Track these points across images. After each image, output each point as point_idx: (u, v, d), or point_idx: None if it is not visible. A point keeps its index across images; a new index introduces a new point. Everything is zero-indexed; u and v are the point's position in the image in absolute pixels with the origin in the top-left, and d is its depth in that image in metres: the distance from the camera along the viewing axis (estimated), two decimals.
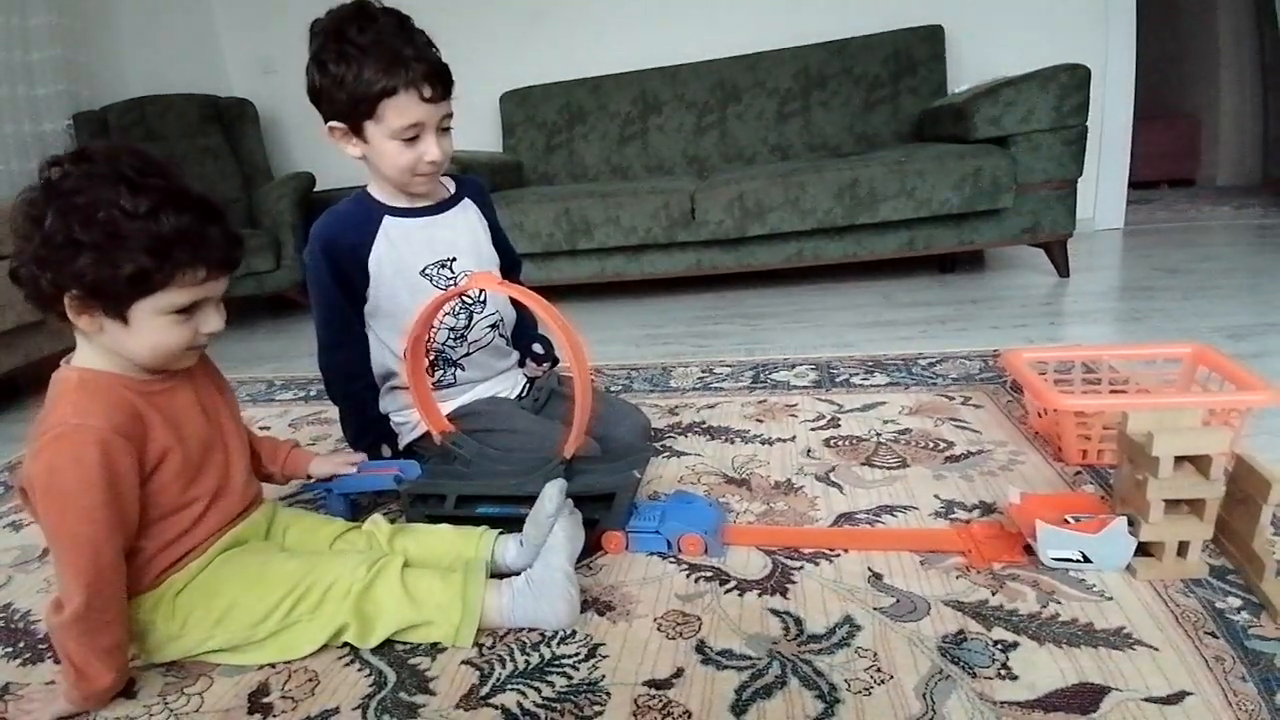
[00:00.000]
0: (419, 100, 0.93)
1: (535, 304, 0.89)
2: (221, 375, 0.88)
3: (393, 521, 0.91)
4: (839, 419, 1.25)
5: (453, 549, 0.86)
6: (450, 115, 0.99)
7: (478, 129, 3.10)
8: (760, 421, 1.28)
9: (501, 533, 0.87)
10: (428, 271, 1.07)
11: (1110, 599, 0.72)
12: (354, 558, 0.79)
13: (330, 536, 0.88)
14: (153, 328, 0.70)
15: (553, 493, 0.81)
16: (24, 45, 2.53)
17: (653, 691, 0.67)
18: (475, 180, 1.19)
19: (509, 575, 0.81)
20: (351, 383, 1.11)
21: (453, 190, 1.12)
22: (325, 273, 1.04)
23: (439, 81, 0.94)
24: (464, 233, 1.11)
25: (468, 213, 1.13)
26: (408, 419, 1.14)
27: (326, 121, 0.98)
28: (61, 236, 0.65)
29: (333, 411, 1.58)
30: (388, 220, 1.05)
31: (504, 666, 0.72)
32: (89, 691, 0.70)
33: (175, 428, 0.75)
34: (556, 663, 0.72)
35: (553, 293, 1.02)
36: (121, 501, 0.69)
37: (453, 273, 1.08)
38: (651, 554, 0.89)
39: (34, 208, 0.66)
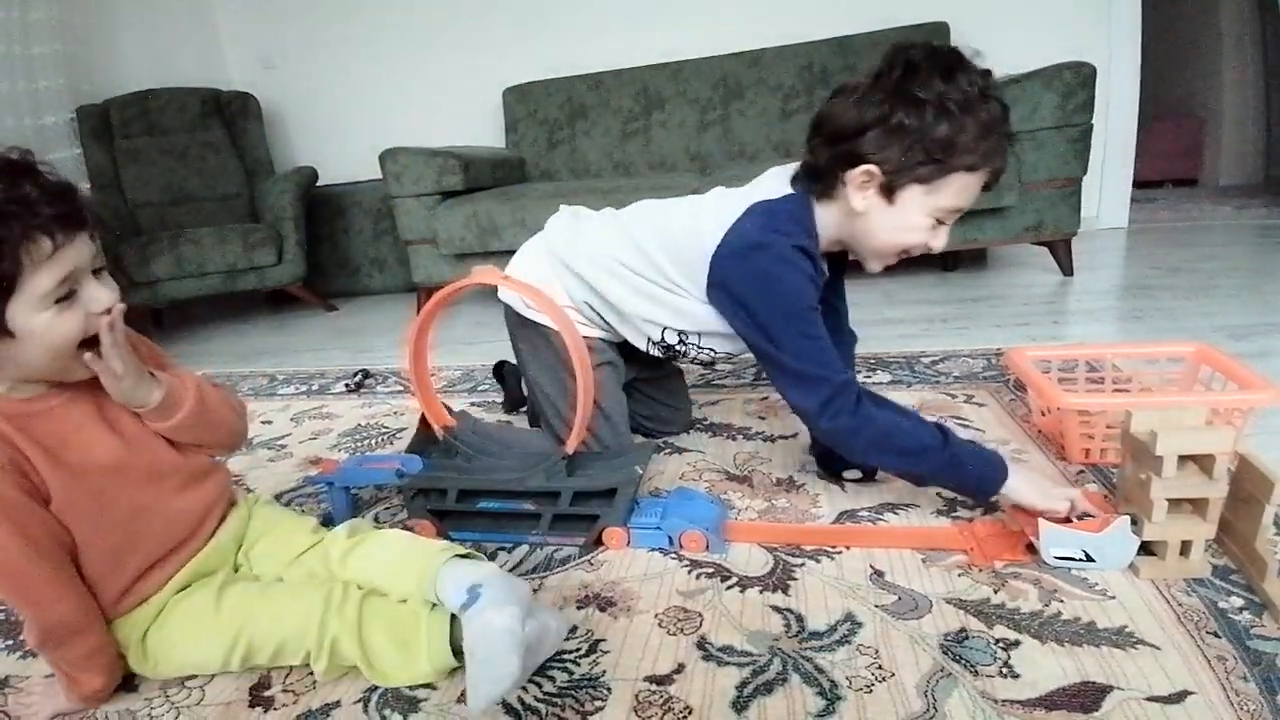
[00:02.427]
0: (976, 189, 0.81)
1: (536, 298, 0.89)
2: None
3: (379, 523, 0.87)
4: None
5: (402, 583, 0.73)
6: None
7: (480, 124, 3.10)
8: (762, 418, 1.28)
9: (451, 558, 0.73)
10: None
11: (1112, 598, 0.72)
12: (300, 612, 0.71)
13: (291, 556, 0.80)
14: (39, 327, 0.60)
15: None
16: (24, 39, 2.52)
17: (653, 687, 0.67)
18: None
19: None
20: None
21: None
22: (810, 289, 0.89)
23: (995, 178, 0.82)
24: None
25: None
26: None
27: (856, 164, 0.81)
28: None
29: (335, 406, 1.59)
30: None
31: None
32: (82, 694, 0.70)
33: (57, 453, 0.65)
34: (557, 658, 0.72)
35: None
36: (24, 526, 0.63)
37: None
38: (653, 550, 0.89)
39: None
